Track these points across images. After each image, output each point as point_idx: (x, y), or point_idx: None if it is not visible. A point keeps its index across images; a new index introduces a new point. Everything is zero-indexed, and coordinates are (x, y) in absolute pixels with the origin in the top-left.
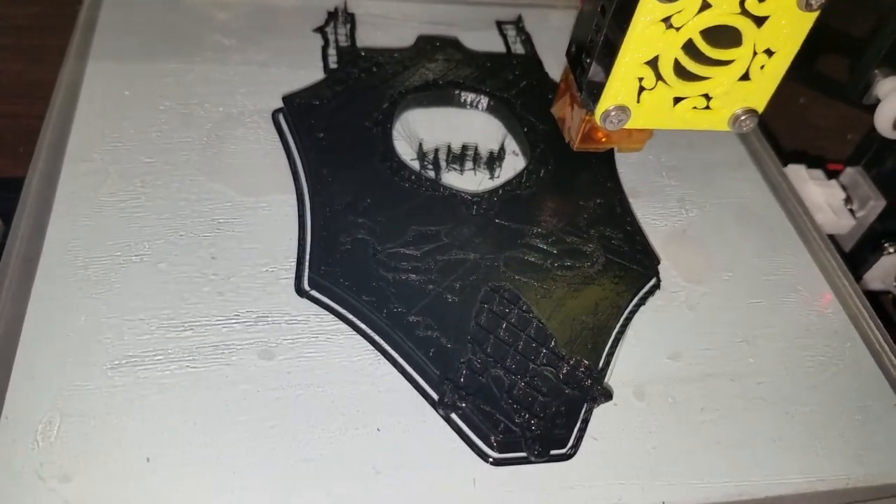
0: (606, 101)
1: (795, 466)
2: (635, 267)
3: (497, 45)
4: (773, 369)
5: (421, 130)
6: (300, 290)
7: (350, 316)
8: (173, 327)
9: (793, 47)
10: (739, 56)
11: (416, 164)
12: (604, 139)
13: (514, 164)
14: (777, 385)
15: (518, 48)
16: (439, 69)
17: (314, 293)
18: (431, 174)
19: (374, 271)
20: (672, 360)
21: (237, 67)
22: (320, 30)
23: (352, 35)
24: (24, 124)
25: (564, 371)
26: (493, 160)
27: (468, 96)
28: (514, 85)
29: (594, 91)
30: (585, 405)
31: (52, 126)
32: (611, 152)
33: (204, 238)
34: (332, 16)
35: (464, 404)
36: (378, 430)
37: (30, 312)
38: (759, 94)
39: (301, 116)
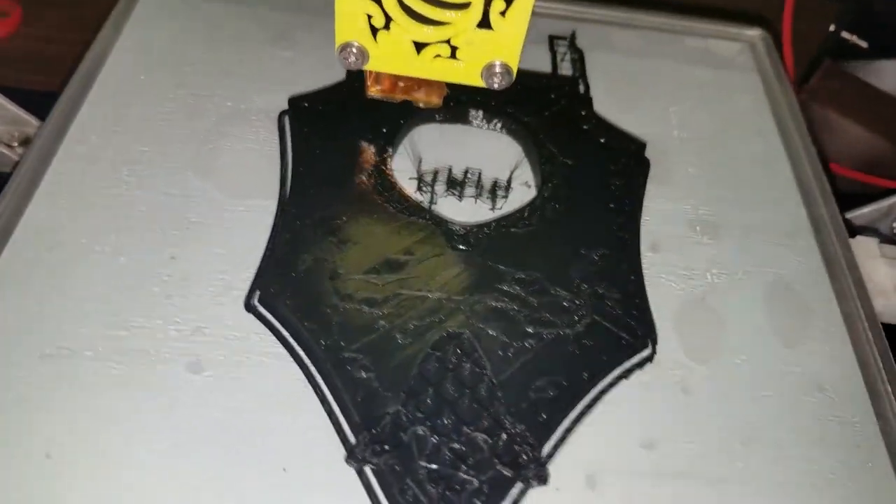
0: (340, 37)
1: None
2: (623, 335)
3: (546, 63)
4: (765, 481)
5: (428, 147)
6: (248, 305)
7: (291, 340)
8: (111, 325)
9: None
10: None
11: (412, 184)
12: (391, 87)
13: (522, 196)
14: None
15: (566, 68)
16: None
17: (261, 310)
18: (425, 197)
19: (326, 297)
20: (644, 449)
21: (263, 62)
22: None
23: None
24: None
25: (501, 442)
26: (497, 190)
27: (482, 115)
28: (544, 109)
29: None
30: (515, 486)
31: (64, 102)
32: (639, 200)
33: (171, 235)
34: None
35: (376, 460)
36: (284, 470)
37: None
38: (508, 47)
39: (304, 120)
